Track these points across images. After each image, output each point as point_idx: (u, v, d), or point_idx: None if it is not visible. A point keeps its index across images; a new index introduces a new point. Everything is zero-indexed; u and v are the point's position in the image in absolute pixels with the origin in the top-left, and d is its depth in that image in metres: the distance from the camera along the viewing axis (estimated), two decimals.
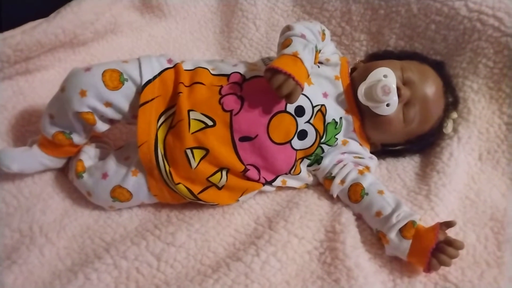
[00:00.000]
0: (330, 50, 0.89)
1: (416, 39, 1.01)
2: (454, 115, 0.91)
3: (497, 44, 0.90)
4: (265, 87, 0.74)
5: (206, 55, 1.19)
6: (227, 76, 0.80)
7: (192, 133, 0.75)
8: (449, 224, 0.73)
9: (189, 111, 0.75)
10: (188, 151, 0.75)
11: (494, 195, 0.85)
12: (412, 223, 0.73)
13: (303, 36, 0.79)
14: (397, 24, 1.02)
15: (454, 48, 0.96)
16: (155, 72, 0.77)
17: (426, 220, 0.78)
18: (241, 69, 0.81)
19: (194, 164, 0.75)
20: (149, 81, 0.76)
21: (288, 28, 0.82)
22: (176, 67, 0.80)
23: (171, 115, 0.77)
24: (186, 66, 0.81)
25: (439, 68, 0.90)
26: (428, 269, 0.70)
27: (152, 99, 0.76)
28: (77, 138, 0.79)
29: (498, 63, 0.90)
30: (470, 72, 0.93)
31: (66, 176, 0.85)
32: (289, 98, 0.73)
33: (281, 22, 1.16)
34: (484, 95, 0.92)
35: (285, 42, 0.78)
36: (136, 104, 0.76)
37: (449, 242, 0.70)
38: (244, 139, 0.77)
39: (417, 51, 0.99)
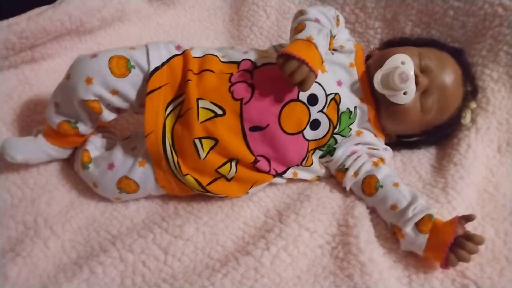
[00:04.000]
0: (344, 37, 0.87)
1: (433, 26, 0.97)
2: (473, 105, 0.88)
3: None
4: (276, 74, 0.72)
5: (215, 44, 1.17)
6: (237, 63, 0.78)
7: (201, 122, 0.73)
8: (468, 218, 0.71)
9: (198, 99, 0.74)
10: (197, 141, 0.73)
11: None
12: (429, 216, 0.71)
13: (317, 21, 0.76)
14: (414, 10, 0.99)
15: (473, 35, 0.93)
16: (163, 59, 0.75)
17: (443, 214, 0.76)
18: (252, 56, 0.79)
19: (203, 154, 0.74)
20: (157, 68, 0.74)
21: (301, 12, 0.80)
22: (184, 54, 0.78)
23: (180, 103, 0.75)
24: (195, 53, 0.79)
25: (458, 55, 0.87)
26: (446, 264, 0.68)
27: (160, 87, 0.74)
28: (83, 128, 0.77)
29: None
30: (490, 60, 0.90)
31: (72, 167, 0.84)
32: (302, 85, 0.71)
33: (293, 9, 1.14)
34: (504, 84, 0.89)
35: (298, 27, 0.76)
36: (144, 92, 0.74)
37: (469, 237, 0.68)
38: (254, 128, 0.75)
39: (435, 38, 0.96)
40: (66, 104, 0.75)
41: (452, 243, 0.67)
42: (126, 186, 0.76)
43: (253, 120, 0.75)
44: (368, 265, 0.68)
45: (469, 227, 0.72)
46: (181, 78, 0.76)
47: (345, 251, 0.72)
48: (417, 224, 0.71)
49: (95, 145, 0.82)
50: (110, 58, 0.72)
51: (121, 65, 0.73)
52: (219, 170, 0.75)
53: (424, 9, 0.97)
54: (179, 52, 0.78)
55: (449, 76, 0.82)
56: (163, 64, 0.75)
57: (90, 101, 0.72)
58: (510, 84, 0.89)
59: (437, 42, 0.93)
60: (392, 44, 0.92)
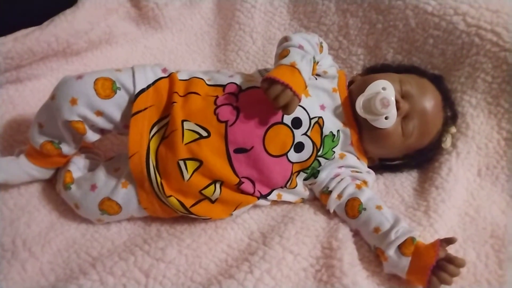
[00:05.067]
0: (327, 63, 0.89)
1: (414, 53, 1.00)
2: (453, 129, 0.90)
3: (495, 58, 0.89)
4: (261, 98, 0.73)
5: (202, 68, 1.18)
6: (223, 86, 0.79)
7: (186, 144, 0.73)
8: (449, 241, 0.71)
9: (183, 121, 0.74)
10: (181, 163, 0.73)
11: (494, 212, 0.84)
12: (412, 239, 0.71)
13: (301, 47, 0.78)
14: (395, 38, 1.01)
15: (452, 63, 0.96)
16: (149, 81, 0.76)
17: (425, 236, 0.77)
18: (237, 80, 0.80)
19: (186, 176, 0.73)
20: (142, 90, 0.75)
21: (285, 39, 0.81)
22: (170, 76, 0.79)
23: (165, 125, 0.75)
24: (181, 76, 0.80)
25: (438, 82, 0.90)
26: (428, 287, 0.68)
27: (145, 109, 0.74)
28: (66, 148, 0.77)
29: (497, 78, 0.90)
30: (469, 87, 0.93)
31: (54, 187, 0.83)
32: (286, 109, 0.72)
33: (278, 35, 1.16)
34: (482, 110, 0.92)
35: (282, 53, 0.77)
36: (129, 114, 0.74)
37: (450, 260, 0.69)
38: (239, 150, 0.75)
39: (415, 65, 0.98)
40: (50, 124, 0.74)
41: (434, 266, 0.68)
42: (108, 207, 0.75)
43: (237, 142, 0.75)
44: None
45: (451, 250, 0.72)
46: (167, 100, 0.76)
47: (329, 274, 0.71)
48: (399, 247, 0.71)
49: (77, 166, 0.81)
50: (96, 79, 0.72)
51: (106, 86, 0.73)
52: (203, 191, 0.75)
53: (405, 37, 1.00)
54: (165, 75, 0.79)
55: (429, 101, 0.84)
56: (148, 86, 0.75)
57: (74, 122, 0.72)
58: (488, 110, 0.91)
59: (418, 68, 0.95)
60: (374, 70, 0.94)
